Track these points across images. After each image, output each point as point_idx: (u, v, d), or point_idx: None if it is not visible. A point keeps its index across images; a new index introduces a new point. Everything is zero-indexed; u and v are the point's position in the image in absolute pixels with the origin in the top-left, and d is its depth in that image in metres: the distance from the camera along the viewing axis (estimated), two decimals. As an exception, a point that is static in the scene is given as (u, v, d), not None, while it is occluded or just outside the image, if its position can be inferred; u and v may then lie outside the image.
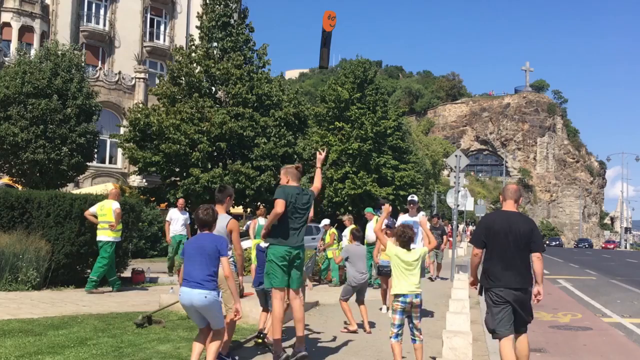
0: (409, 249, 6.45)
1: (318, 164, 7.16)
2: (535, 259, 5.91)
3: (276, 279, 6.53)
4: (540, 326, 10.32)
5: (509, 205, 6.21)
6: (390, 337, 6.33)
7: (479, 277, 6.31)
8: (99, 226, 11.95)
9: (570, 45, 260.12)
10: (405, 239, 6.44)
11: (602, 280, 20.14)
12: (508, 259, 5.89)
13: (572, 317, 11.47)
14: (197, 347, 5.76)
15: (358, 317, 9.07)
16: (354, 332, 8.67)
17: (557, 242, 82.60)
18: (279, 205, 6.44)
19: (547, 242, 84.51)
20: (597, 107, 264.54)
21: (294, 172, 6.79)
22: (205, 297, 5.52)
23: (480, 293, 6.37)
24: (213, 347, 5.72)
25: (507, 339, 5.83)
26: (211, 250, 5.60)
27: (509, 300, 5.82)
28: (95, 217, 12.01)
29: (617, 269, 26.23)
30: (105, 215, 11.88)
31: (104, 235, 11.88)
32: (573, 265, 28.64)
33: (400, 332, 6.31)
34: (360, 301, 9.09)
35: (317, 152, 7.24)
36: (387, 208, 7.72)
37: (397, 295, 6.31)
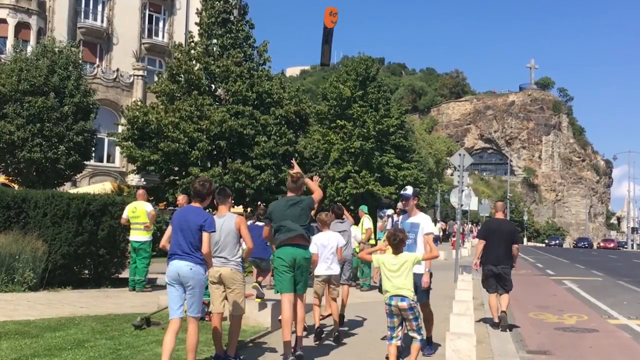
0: (397, 253, 6.52)
1: (304, 178, 7.37)
2: (514, 247, 9.79)
3: (283, 285, 6.89)
4: (545, 328, 10.19)
5: (499, 215, 10.24)
6: (386, 339, 6.56)
7: (479, 261, 9.86)
8: (132, 227, 12.44)
9: (577, 43, 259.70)
10: (396, 241, 6.51)
11: (609, 281, 19.91)
12: (497, 248, 9.63)
13: (578, 318, 11.29)
14: (168, 343, 5.81)
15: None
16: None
17: (556, 242, 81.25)
18: (265, 232, 7.26)
19: (547, 241, 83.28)
20: (604, 105, 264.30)
21: (289, 185, 7.19)
22: (191, 269, 5.80)
23: (480, 265, 9.90)
24: (191, 343, 5.86)
25: (493, 295, 9.80)
26: (194, 225, 5.83)
27: (495, 273, 9.63)
28: (128, 220, 12.52)
29: (624, 270, 26.02)
30: (139, 217, 12.42)
31: (140, 235, 12.42)
32: (579, 266, 28.41)
33: (393, 334, 6.42)
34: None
35: (290, 168, 7.65)
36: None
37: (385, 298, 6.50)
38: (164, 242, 6.20)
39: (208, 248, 5.84)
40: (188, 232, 5.85)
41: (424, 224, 7.36)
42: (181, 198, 13.75)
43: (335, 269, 8.37)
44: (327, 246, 8.23)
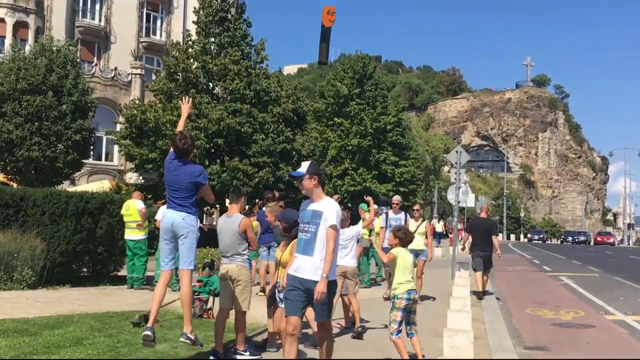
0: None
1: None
2: (494, 238, 12.86)
3: None
4: (542, 324, 10.25)
5: (482, 214, 13.68)
6: (392, 334, 6.59)
7: (467, 247, 14.38)
8: (127, 226, 12.52)
9: (573, 40, 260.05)
10: (410, 239, 7.20)
11: (605, 277, 19.97)
12: (480, 239, 12.85)
13: (574, 314, 11.35)
14: (159, 294, 6.18)
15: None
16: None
17: (540, 236, 73.99)
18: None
19: (530, 235, 77.23)
20: (600, 102, 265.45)
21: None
22: (184, 218, 6.12)
23: (470, 252, 13.48)
24: (185, 296, 6.18)
25: (479, 273, 12.63)
26: (186, 181, 6.16)
27: (481, 256, 12.67)
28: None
29: (620, 266, 26.06)
30: (132, 215, 12.50)
31: (134, 234, 12.49)
32: (575, 262, 28.45)
33: (401, 328, 6.62)
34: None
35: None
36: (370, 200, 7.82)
37: (401, 293, 6.66)
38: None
39: (211, 196, 6.69)
40: (181, 188, 6.19)
41: (328, 212, 5.57)
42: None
43: (351, 262, 8.43)
44: (342, 233, 8.37)
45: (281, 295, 6.41)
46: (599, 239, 70.89)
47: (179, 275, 6.40)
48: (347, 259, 8.37)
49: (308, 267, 5.48)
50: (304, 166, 5.67)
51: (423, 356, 6.76)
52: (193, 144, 6.42)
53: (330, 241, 5.46)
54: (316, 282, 5.35)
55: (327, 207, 5.58)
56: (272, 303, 6.98)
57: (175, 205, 6.23)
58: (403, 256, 6.83)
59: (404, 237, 6.97)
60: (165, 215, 6.29)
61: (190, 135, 6.56)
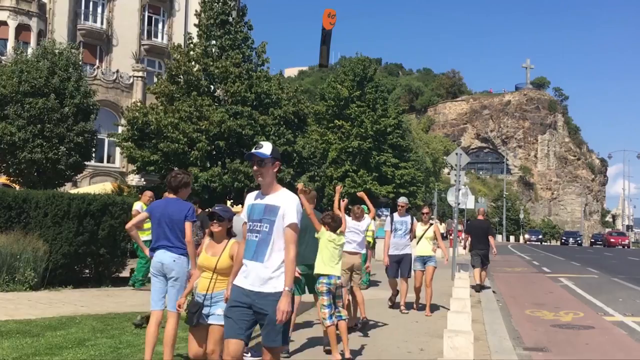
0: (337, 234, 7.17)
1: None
2: (490, 238, 14.57)
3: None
4: (542, 325, 10.28)
5: (480, 216, 15.51)
6: (325, 320, 6.75)
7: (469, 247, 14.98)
8: None
9: (572, 42, 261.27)
10: (339, 224, 7.30)
11: (604, 278, 20.00)
12: (479, 239, 14.48)
13: (574, 315, 11.40)
14: (152, 336, 5.97)
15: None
16: None
17: (537, 237, 70.59)
18: None
19: (527, 235, 74.35)
20: (599, 105, 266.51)
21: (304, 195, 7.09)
22: (174, 260, 5.91)
23: (469, 251, 15.17)
24: (168, 337, 5.90)
25: (477, 269, 14.25)
26: (178, 216, 5.93)
27: (479, 254, 14.30)
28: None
29: (619, 267, 26.08)
30: (133, 216, 12.37)
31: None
32: (575, 263, 28.47)
33: (332, 312, 6.79)
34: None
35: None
36: (338, 189, 7.97)
37: (321, 276, 6.87)
38: (130, 224, 6.41)
39: (190, 236, 5.96)
40: (172, 224, 5.94)
41: (287, 208, 4.44)
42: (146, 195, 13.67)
43: (361, 250, 8.80)
44: (355, 227, 8.65)
45: (217, 311, 5.21)
46: (612, 240, 61.38)
47: (167, 316, 5.98)
48: (354, 246, 8.69)
49: (256, 275, 4.37)
50: (267, 147, 4.48)
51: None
52: (183, 182, 6.11)
53: (291, 245, 4.36)
54: (265, 294, 4.30)
55: (286, 202, 4.43)
56: (196, 320, 5.36)
57: (165, 244, 5.95)
58: (329, 239, 6.97)
59: (331, 221, 7.07)
60: (156, 255, 6.01)
61: (187, 173, 6.29)
